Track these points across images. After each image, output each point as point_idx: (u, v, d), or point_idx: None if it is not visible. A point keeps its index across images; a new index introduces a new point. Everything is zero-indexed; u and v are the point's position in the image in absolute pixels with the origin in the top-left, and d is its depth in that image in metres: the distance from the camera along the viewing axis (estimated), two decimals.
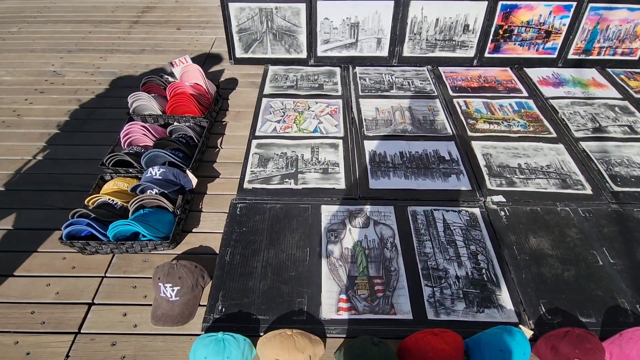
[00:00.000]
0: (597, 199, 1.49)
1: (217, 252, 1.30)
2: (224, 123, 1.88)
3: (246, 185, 1.54)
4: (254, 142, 1.74)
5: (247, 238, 1.34)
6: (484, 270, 1.25)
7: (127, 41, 2.54)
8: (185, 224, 1.40)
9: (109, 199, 1.33)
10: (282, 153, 1.69)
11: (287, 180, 1.56)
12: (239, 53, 2.24)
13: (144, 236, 1.25)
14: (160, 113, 1.71)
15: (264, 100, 1.99)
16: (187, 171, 1.44)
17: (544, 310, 1.15)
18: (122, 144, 1.58)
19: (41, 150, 1.72)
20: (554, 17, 2.08)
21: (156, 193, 1.33)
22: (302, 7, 2.07)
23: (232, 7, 2.07)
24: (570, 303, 1.17)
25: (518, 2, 2.04)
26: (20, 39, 2.57)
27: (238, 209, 1.44)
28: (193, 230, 1.39)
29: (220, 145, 1.75)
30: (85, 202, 1.36)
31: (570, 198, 1.49)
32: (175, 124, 1.69)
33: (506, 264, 1.27)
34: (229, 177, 1.60)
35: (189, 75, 1.81)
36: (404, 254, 1.29)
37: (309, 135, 1.77)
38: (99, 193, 1.40)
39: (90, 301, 1.17)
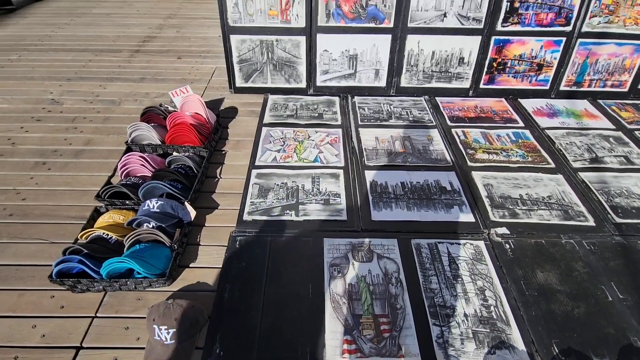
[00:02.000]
0: (600, 231, 1.48)
1: (215, 289, 1.24)
2: (223, 152, 1.86)
3: (246, 217, 1.50)
4: (254, 171, 1.72)
5: (247, 273, 1.30)
6: (492, 308, 1.21)
7: (127, 69, 2.56)
8: (182, 259, 1.35)
9: (103, 233, 1.28)
10: (282, 183, 1.66)
11: (287, 211, 1.53)
12: (239, 82, 2.27)
13: (138, 273, 1.19)
14: (159, 143, 1.70)
15: (264, 129, 1.99)
16: (186, 203, 1.41)
17: (557, 351, 1.11)
18: (119, 174, 1.55)
19: (35, 180, 1.67)
20: (545, 51, 2.15)
21: (153, 227, 1.29)
22: (302, 39, 2.12)
23: (234, 39, 2.11)
24: (582, 342, 1.13)
25: (510, 37, 2.12)
26: (20, 66, 2.58)
27: (237, 242, 1.40)
28: (190, 265, 1.34)
29: (220, 175, 1.73)
30: (79, 237, 1.30)
31: (574, 230, 1.48)
32: (175, 154, 1.67)
33: (515, 300, 1.23)
34: (228, 208, 1.57)
35: (190, 105, 1.81)
36: (409, 290, 1.25)
37: (310, 165, 1.76)
38: (93, 226, 1.36)
39: (79, 345, 1.10)
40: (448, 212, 1.55)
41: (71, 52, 2.77)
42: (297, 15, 2.05)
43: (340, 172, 1.73)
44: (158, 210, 1.33)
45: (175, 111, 1.83)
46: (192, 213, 1.40)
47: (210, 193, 1.64)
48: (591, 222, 1.51)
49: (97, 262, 1.18)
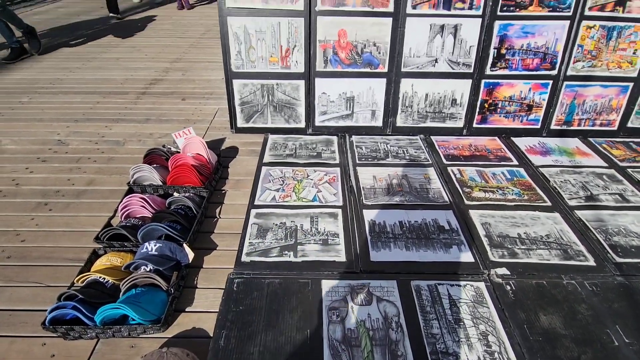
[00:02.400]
0: (601, 270, 1.47)
1: (211, 335, 1.21)
2: (223, 192, 1.89)
3: (244, 258, 1.50)
4: (253, 211, 1.74)
5: (244, 318, 1.27)
6: (496, 354, 1.18)
7: (133, 111, 2.66)
8: (178, 303, 1.33)
9: (99, 277, 1.28)
10: (281, 223, 1.67)
11: (286, 252, 1.53)
12: (240, 123, 2.35)
13: (133, 319, 1.17)
14: (160, 184, 1.73)
15: (264, 168, 2.03)
16: (184, 245, 1.41)
17: None
18: (119, 216, 1.56)
19: (35, 222, 1.69)
20: (534, 93, 2.25)
21: (150, 270, 1.28)
22: (301, 83, 2.23)
23: (236, 83, 2.22)
24: None
25: (499, 80, 2.22)
26: (30, 108, 2.68)
27: (235, 285, 1.38)
28: (187, 310, 1.32)
29: (219, 215, 1.74)
30: (75, 281, 1.29)
31: (575, 270, 1.47)
32: (175, 194, 1.70)
33: (519, 345, 1.20)
34: (226, 249, 1.56)
35: (192, 147, 1.87)
36: (410, 336, 1.22)
37: (308, 205, 1.78)
38: (90, 269, 1.35)
39: None
40: (447, 252, 1.54)
41: (80, 94, 2.89)
42: (296, 61, 2.17)
43: (339, 211, 1.75)
44: (156, 252, 1.33)
45: (177, 152, 1.88)
46: (190, 255, 1.40)
47: (209, 233, 1.64)
48: (591, 262, 1.50)
49: (92, 308, 1.16)
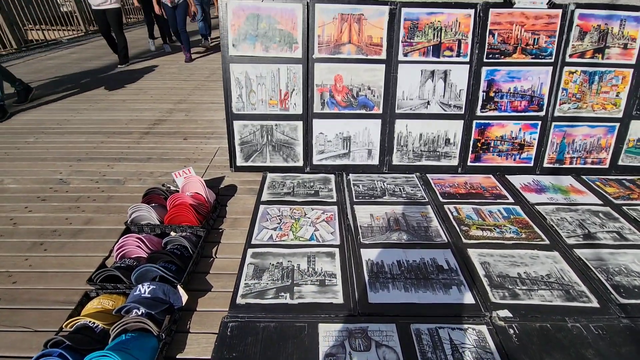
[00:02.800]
0: (606, 312, 1.43)
1: None
2: (220, 231, 1.89)
3: (239, 300, 1.46)
4: (250, 251, 1.72)
5: None
6: None
7: (136, 150, 2.72)
8: (169, 349, 1.28)
9: (89, 322, 1.24)
10: (277, 263, 1.65)
11: (282, 294, 1.49)
12: (240, 162, 2.40)
13: None
14: (158, 223, 1.73)
15: (261, 207, 2.04)
16: (178, 287, 1.38)
17: None
18: (114, 257, 1.55)
19: (29, 262, 1.66)
20: (524, 132, 2.33)
21: (142, 314, 1.25)
22: (299, 124, 2.31)
23: (237, 124, 2.30)
24: None
25: (490, 121, 2.31)
26: (35, 148, 2.75)
27: (229, 329, 1.34)
28: (177, 356, 1.26)
29: (215, 255, 1.72)
30: (63, 326, 1.25)
31: (579, 312, 1.43)
32: (172, 233, 1.70)
33: None
34: (221, 291, 1.53)
35: (191, 186, 1.90)
36: None
37: (305, 244, 1.77)
38: (80, 313, 1.31)
39: None
40: (447, 293, 1.51)
41: (85, 134, 2.98)
42: (294, 104, 2.27)
43: (336, 250, 1.74)
44: (149, 295, 1.30)
45: (176, 192, 1.90)
46: (184, 297, 1.37)
47: (204, 274, 1.62)
48: (595, 303, 1.47)
49: (79, 356, 1.12)
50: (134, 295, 1.31)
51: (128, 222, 1.73)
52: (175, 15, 5.04)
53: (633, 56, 2.21)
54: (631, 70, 2.23)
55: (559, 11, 2.13)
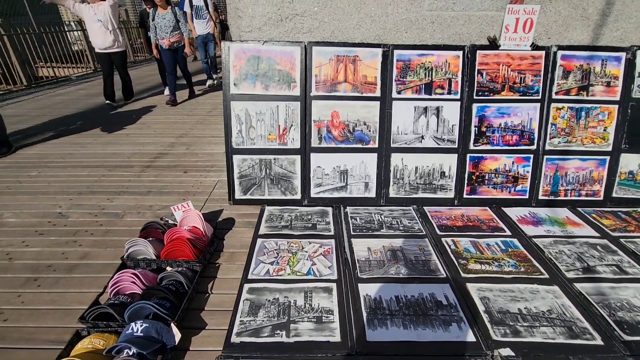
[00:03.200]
0: (610, 351, 1.39)
1: None
2: (217, 265, 1.87)
3: (234, 338, 1.42)
4: (246, 286, 1.70)
5: None
6: None
7: (136, 183, 2.76)
8: None
9: None
10: (274, 299, 1.63)
11: (278, 331, 1.46)
12: (239, 195, 2.42)
13: None
14: (154, 258, 1.73)
15: (259, 240, 2.04)
16: (172, 325, 1.36)
17: None
18: (108, 293, 1.53)
19: (22, 299, 1.64)
20: (517, 165, 2.38)
21: (133, 354, 1.21)
22: (297, 158, 2.36)
23: (236, 158, 2.36)
24: None
25: (483, 154, 2.37)
26: (37, 182, 2.79)
27: None
28: None
29: (211, 291, 1.70)
30: None
31: (583, 350, 1.39)
32: (168, 269, 1.69)
33: None
34: (215, 329, 1.50)
35: (189, 220, 1.91)
36: None
37: (302, 279, 1.75)
38: (69, 353, 1.28)
39: None
40: (447, 331, 1.48)
41: (87, 168, 3.03)
42: (292, 138, 2.34)
43: (334, 285, 1.72)
44: (142, 334, 1.27)
45: (174, 225, 1.91)
46: (177, 336, 1.34)
47: (199, 311, 1.59)
48: (599, 341, 1.43)
49: None
50: (126, 334, 1.28)
51: (124, 257, 1.72)
52: (171, 57, 5.04)
53: (617, 93, 2.31)
54: (616, 107, 2.32)
55: (542, 52, 2.26)
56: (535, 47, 2.25)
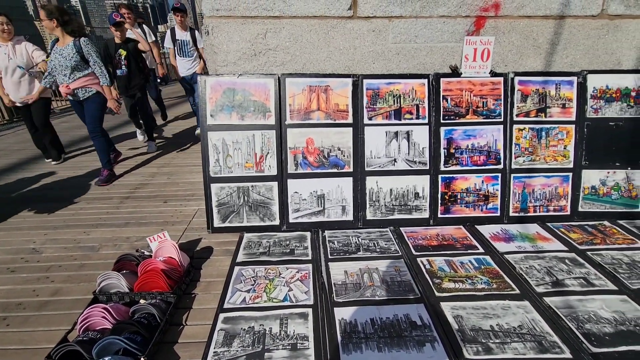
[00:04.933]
0: None
1: None
2: (193, 296, 1.86)
3: None
4: (221, 315, 1.69)
5: None
6: None
7: (114, 215, 2.74)
8: None
9: None
10: (249, 327, 1.62)
11: None
12: (217, 223, 2.44)
13: None
14: (127, 291, 1.71)
15: (236, 268, 2.04)
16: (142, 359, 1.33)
17: None
18: (77, 329, 1.50)
19: None
20: (487, 184, 2.48)
21: None
22: (275, 184, 2.41)
23: (214, 186, 2.39)
24: None
25: (454, 175, 2.47)
26: (12, 218, 2.74)
27: None
28: None
29: (185, 322, 1.68)
30: None
31: None
32: (142, 301, 1.67)
33: None
34: None
35: (164, 250, 1.91)
36: None
37: (278, 305, 1.75)
38: None
39: None
40: (420, 351, 1.49)
41: (65, 201, 3.00)
42: (269, 165, 2.40)
43: (309, 310, 1.72)
44: None
45: (149, 257, 1.91)
46: None
47: (172, 344, 1.56)
48: (567, 354, 1.46)
49: None
50: None
51: (96, 291, 1.70)
52: (81, 112, 3.52)
53: (572, 114, 2.47)
54: (573, 126, 2.47)
55: (501, 79, 2.42)
56: (493, 74, 2.42)
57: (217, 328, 1.61)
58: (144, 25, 5.08)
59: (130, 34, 4.39)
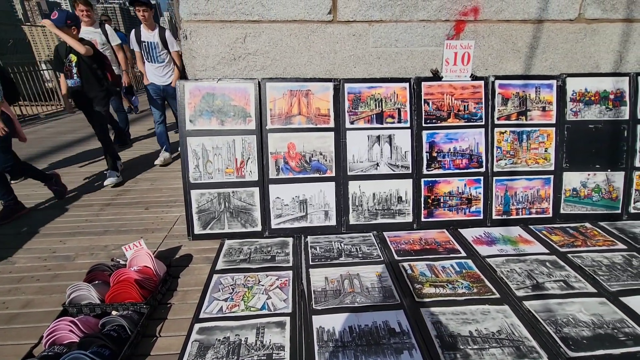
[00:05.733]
0: None
1: None
2: (168, 305, 1.81)
3: None
4: (196, 326, 1.64)
5: None
6: None
7: (93, 223, 2.68)
8: None
9: None
10: (224, 338, 1.58)
11: None
12: (198, 230, 2.39)
13: None
14: (98, 302, 1.66)
15: (215, 276, 2.00)
16: None
17: None
18: (44, 344, 1.44)
19: None
20: (469, 187, 2.48)
21: None
22: (256, 190, 2.38)
23: (194, 193, 2.35)
24: None
25: (437, 179, 2.46)
26: None
27: None
28: None
29: (159, 334, 1.63)
30: None
31: None
32: (114, 313, 1.62)
33: None
34: None
35: (139, 259, 1.86)
36: None
37: (256, 314, 1.71)
38: None
39: None
40: (398, 359, 1.46)
41: (42, 210, 2.93)
42: (250, 171, 2.36)
43: (287, 319, 1.68)
44: None
45: (124, 266, 1.86)
46: None
47: (144, 357, 1.51)
48: (545, 359, 1.45)
49: None
50: None
51: (66, 303, 1.65)
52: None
53: (552, 117, 2.49)
54: (553, 129, 2.49)
55: (482, 82, 2.43)
56: (474, 77, 2.43)
57: (191, 339, 1.57)
58: (107, 25, 4.37)
59: (95, 34, 3.90)
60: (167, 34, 3.79)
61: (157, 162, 3.99)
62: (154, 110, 4.02)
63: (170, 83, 3.88)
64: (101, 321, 1.54)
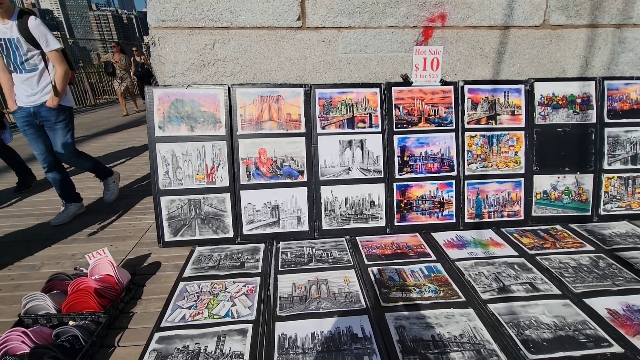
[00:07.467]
0: None
1: None
2: (130, 314, 1.78)
3: None
4: (156, 335, 1.61)
5: None
6: None
7: (62, 230, 2.63)
8: None
9: None
10: (183, 347, 1.55)
11: None
12: (168, 237, 2.36)
13: None
14: (54, 312, 1.62)
15: (181, 284, 1.97)
16: None
17: None
18: None
19: None
20: (442, 191, 2.49)
21: None
22: (227, 196, 2.36)
23: (164, 199, 2.33)
24: None
25: (409, 182, 2.47)
26: None
27: None
28: None
29: (117, 344, 1.60)
30: None
31: None
32: (71, 323, 1.58)
33: None
34: None
35: (100, 268, 1.83)
36: None
37: (218, 322, 1.69)
38: None
39: None
40: None
41: (12, 217, 2.87)
42: (221, 177, 2.35)
43: (250, 326, 1.66)
44: None
45: (83, 276, 1.82)
46: None
47: None
48: None
49: None
50: None
51: (22, 313, 1.61)
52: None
53: (521, 121, 2.53)
54: (522, 133, 2.52)
55: (451, 87, 2.46)
56: (444, 82, 2.46)
57: (149, 349, 1.54)
58: None
59: None
60: (34, 23, 2.36)
61: (52, 221, 2.74)
62: (33, 149, 2.66)
63: (45, 102, 2.51)
64: (55, 331, 1.51)
